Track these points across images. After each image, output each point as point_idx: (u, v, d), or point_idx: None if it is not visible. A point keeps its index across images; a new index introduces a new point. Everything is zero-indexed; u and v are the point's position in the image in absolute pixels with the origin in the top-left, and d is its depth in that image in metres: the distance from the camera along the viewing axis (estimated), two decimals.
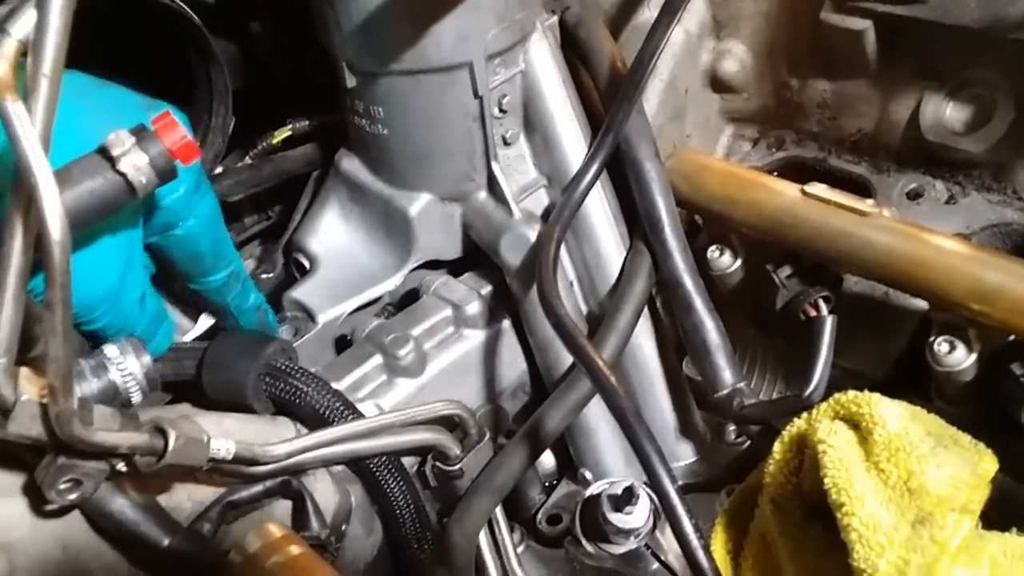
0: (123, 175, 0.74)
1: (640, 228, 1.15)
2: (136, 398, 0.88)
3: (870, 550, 0.84)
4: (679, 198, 1.15)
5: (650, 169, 1.13)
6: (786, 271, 1.14)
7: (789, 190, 1.10)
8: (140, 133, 0.75)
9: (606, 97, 1.17)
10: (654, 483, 0.87)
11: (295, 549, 0.83)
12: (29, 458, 0.87)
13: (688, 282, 1.12)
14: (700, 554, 0.84)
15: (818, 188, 1.08)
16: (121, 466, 0.82)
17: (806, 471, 0.97)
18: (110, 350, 0.86)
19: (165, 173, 0.76)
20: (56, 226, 0.65)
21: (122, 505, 0.88)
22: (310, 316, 1.21)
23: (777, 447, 1.00)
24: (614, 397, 0.90)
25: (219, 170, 1.28)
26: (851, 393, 0.95)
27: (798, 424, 0.99)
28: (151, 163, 0.75)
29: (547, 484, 1.29)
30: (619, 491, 1.01)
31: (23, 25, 0.67)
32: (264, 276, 1.31)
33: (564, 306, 1.00)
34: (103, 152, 0.74)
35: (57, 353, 0.70)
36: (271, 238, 1.50)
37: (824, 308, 1.09)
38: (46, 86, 0.67)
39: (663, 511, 0.87)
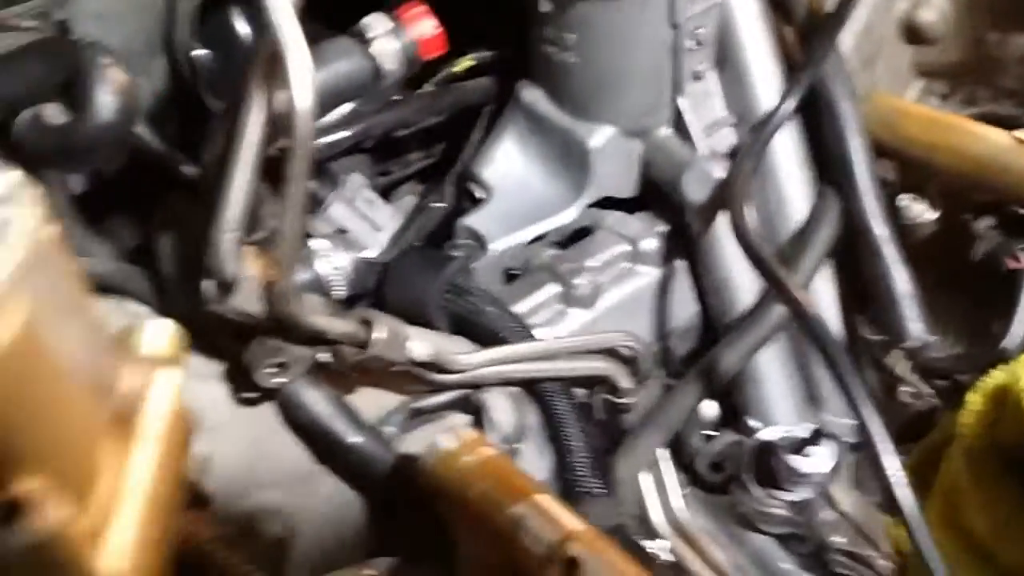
0: (373, 59, 0.74)
1: (830, 172, 1.12)
2: (340, 293, 0.89)
3: None
4: (874, 143, 1.12)
5: (846, 109, 1.10)
6: (985, 222, 1.09)
7: (997, 136, 1.06)
8: (394, 19, 0.75)
9: (802, 36, 1.14)
10: (857, 413, 0.84)
11: (489, 451, 0.82)
12: (229, 345, 0.89)
13: (879, 228, 1.08)
14: (903, 490, 0.81)
15: None
16: (325, 355, 0.83)
17: (1005, 423, 0.93)
18: (318, 243, 0.88)
19: (412, 63, 0.76)
20: (305, 96, 0.66)
21: (316, 398, 0.89)
22: (482, 244, 1.21)
23: (975, 398, 0.96)
24: (815, 326, 0.88)
25: (399, 96, 1.28)
26: None
27: (997, 375, 0.95)
28: (401, 51, 0.75)
29: (708, 432, 1.27)
30: (804, 434, 0.99)
31: None
32: (434, 205, 1.31)
33: (758, 237, 0.98)
34: (357, 34, 0.75)
35: (289, 229, 0.71)
36: (433, 177, 1.51)
37: None
38: None
39: (866, 444, 0.84)
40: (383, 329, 0.82)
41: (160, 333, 0.54)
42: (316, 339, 0.81)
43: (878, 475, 0.82)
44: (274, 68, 0.69)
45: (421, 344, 0.88)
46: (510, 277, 1.22)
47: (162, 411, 0.50)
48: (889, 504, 0.82)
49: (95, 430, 0.49)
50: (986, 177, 1.05)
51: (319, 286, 0.88)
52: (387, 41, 0.75)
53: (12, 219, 0.38)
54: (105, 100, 0.72)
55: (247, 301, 0.75)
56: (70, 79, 0.74)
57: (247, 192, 0.73)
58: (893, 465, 0.81)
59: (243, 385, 0.88)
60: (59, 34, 0.84)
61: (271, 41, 0.67)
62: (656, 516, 1.12)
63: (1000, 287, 1.07)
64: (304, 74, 0.66)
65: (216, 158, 0.76)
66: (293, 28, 0.66)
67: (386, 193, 1.50)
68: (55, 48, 0.80)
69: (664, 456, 1.16)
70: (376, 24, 0.75)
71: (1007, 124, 1.20)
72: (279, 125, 0.70)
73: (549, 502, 0.76)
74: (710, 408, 1.27)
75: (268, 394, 0.88)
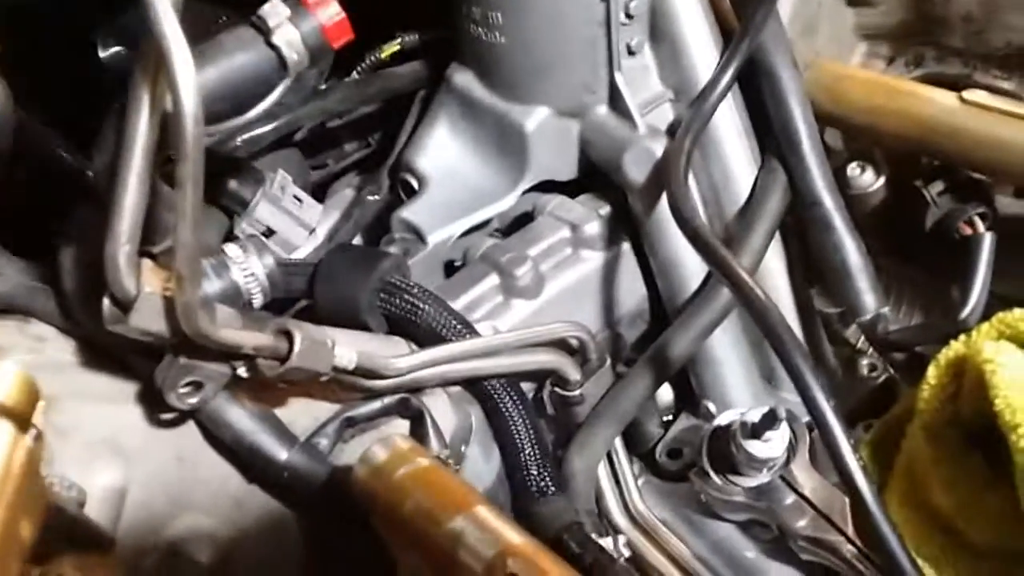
0: (276, 49, 0.69)
1: (774, 143, 1.08)
2: (258, 300, 0.83)
3: None
4: (817, 112, 1.07)
5: (787, 78, 1.05)
6: (937, 187, 1.05)
7: (944, 98, 1.02)
8: (294, 6, 0.70)
9: (738, 3, 1.09)
10: (806, 398, 0.80)
11: (424, 461, 0.77)
12: (139, 365, 0.83)
13: (828, 199, 1.04)
14: (858, 474, 0.77)
15: (978, 94, 0.99)
16: (242, 370, 0.78)
17: (965, 396, 0.89)
18: (232, 249, 0.82)
19: (317, 52, 0.71)
20: (189, 96, 0.60)
21: (239, 415, 0.84)
22: (420, 237, 1.16)
23: (932, 371, 0.92)
24: (761, 307, 0.83)
25: (325, 86, 1.23)
26: (1018, 311, 0.88)
27: (956, 347, 0.91)
28: (304, 39, 0.70)
29: (664, 418, 1.23)
30: (757, 417, 0.94)
31: None
32: (370, 198, 1.26)
33: (700, 217, 0.93)
34: (257, 24, 0.69)
35: (186, 238, 0.65)
36: (371, 167, 1.46)
37: (981, 225, 1.00)
38: None
39: (817, 428, 0.80)
40: (303, 339, 0.76)
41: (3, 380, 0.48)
42: (231, 355, 0.75)
43: (833, 458, 0.78)
44: (162, 67, 0.63)
45: (347, 351, 0.82)
46: (453, 269, 1.17)
47: None
48: (845, 487, 0.78)
49: None
50: (934, 140, 1.01)
51: (236, 294, 0.82)
52: (288, 30, 0.70)
53: None
54: None
55: (148, 319, 0.70)
56: None
57: (141, 201, 0.67)
58: (847, 448, 0.77)
59: (159, 406, 0.83)
60: None
61: (157, 39, 0.61)
62: (613, 510, 1.08)
63: (954, 254, 1.03)
64: (187, 74, 0.60)
65: (107, 165, 0.70)
66: (172, 24, 0.60)
67: (324, 187, 1.45)
68: None
69: (619, 446, 1.12)
70: (274, 12, 0.70)
71: (955, 85, 1.16)
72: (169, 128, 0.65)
73: (487, 514, 0.71)
74: (665, 393, 1.23)
75: (187, 414, 0.83)
